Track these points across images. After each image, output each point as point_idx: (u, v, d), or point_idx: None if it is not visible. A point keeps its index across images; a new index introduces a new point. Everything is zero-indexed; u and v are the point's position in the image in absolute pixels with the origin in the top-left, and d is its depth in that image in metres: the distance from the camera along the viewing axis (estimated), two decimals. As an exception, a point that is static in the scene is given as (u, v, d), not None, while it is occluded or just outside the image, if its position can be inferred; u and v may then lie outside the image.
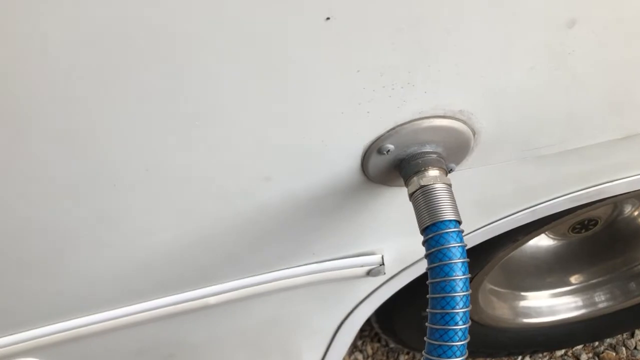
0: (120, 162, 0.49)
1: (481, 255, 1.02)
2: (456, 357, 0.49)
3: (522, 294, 1.33)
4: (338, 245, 0.69)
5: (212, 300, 0.70)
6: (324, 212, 0.62)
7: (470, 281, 1.11)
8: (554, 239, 1.33)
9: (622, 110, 0.57)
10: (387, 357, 1.58)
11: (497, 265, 1.12)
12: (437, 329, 0.50)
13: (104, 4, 0.36)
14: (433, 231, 0.51)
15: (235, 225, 0.59)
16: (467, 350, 0.50)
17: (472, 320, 1.29)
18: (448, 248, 0.50)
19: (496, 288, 1.30)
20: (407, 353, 1.56)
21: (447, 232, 0.51)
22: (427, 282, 0.51)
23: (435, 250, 0.51)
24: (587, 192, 0.70)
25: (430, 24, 0.43)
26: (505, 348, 1.44)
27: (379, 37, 0.43)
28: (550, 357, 1.51)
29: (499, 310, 1.30)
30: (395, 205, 0.64)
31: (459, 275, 0.50)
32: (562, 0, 0.44)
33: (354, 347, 1.60)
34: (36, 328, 0.67)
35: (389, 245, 0.71)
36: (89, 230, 0.55)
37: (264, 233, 0.62)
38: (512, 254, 1.12)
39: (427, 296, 0.51)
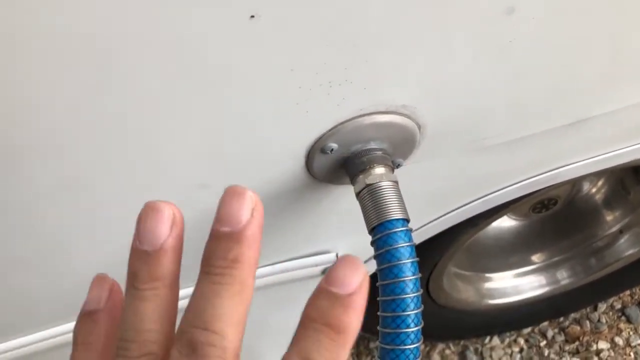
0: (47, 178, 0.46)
1: (443, 242, 1.01)
2: (409, 361, 0.47)
3: (487, 275, 1.34)
4: (290, 246, 0.67)
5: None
6: (272, 215, 0.60)
7: (434, 267, 1.11)
8: (515, 219, 1.34)
9: (567, 96, 0.56)
10: (357, 344, 1.58)
11: (461, 249, 1.12)
12: (388, 333, 0.48)
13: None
14: (381, 231, 0.50)
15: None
16: (420, 352, 0.48)
17: (437, 304, 1.29)
18: (396, 248, 0.49)
19: (461, 271, 1.30)
20: (377, 339, 1.56)
21: (395, 232, 0.49)
22: (377, 285, 0.50)
23: (384, 251, 0.49)
24: (538, 179, 0.69)
25: (364, 18, 0.41)
26: (473, 330, 1.46)
27: (310, 34, 0.41)
28: (518, 336, 1.53)
29: (465, 293, 1.30)
30: (346, 203, 0.62)
31: (409, 276, 0.48)
32: (499, -12, 0.42)
33: (324, 337, 1.60)
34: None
35: (344, 243, 0.69)
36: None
37: (209, 240, 0.59)
38: (475, 236, 1.12)
39: (378, 299, 0.50)
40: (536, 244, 1.35)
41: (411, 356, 0.47)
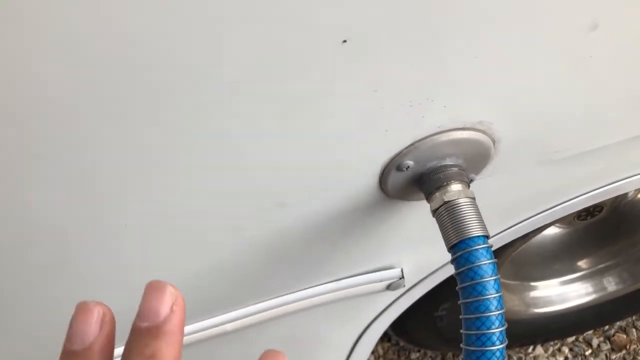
0: (130, 201, 0.47)
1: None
2: (496, 380, 0.47)
3: (532, 284, 1.33)
4: (357, 262, 0.67)
5: (229, 326, 0.68)
6: (341, 231, 0.60)
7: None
8: (560, 227, 1.32)
9: (642, 108, 0.56)
10: (399, 355, 1.57)
11: (507, 260, 1.11)
12: (473, 351, 0.48)
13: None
14: (462, 249, 0.49)
15: (250, 254, 0.57)
16: (506, 370, 0.48)
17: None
18: (479, 266, 0.48)
19: (506, 281, 1.29)
20: (418, 351, 1.55)
21: (476, 249, 0.49)
22: (459, 302, 0.50)
23: (466, 269, 0.49)
24: (605, 190, 0.68)
25: (449, 37, 0.41)
26: (517, 339, 1.44)
27: (396, 56, 0.41)
28: (562, 345, 1.51)
29: (510, 303, 1.29)
30: (414, 219, 0.62)
31: (493, 293, 0.48)
32: (584, 5, 0.42)
33: (364, 348, 1.59)
34: None
35: (408, 258, 0.69)
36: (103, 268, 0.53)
37: (281, 257, 0.60)
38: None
39: (460, 316, 0.49)
40: (581, 251, 1.33)
41: (497, 374, 0.47)
